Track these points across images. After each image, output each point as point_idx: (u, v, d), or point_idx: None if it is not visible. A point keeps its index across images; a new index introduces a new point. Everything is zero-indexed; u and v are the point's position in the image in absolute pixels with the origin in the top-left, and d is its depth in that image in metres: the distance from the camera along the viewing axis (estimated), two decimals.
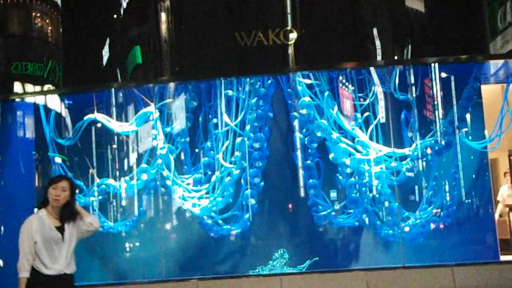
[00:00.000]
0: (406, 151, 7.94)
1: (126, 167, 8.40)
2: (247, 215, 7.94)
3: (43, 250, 4.06)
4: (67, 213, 4.17)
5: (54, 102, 8.68)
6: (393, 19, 8.50)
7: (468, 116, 8.05)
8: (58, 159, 8.45)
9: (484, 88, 8.11)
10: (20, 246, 4.07)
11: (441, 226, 7.92)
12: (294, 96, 8.03)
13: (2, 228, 8.37)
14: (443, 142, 7.99)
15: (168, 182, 8.06)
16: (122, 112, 8.48)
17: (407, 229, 7.81)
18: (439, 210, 7.91)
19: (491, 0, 8.66)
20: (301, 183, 7.98)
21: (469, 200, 8.07)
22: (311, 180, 7.93)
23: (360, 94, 8.09)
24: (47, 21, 10.70)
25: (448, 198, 7.96)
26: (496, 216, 8.75)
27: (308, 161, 7.94)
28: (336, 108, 7.96)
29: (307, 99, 7.96)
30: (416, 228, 7.87)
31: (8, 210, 8.31)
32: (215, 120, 8.14)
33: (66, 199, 4.13)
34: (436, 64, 8.01)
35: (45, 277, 4.06)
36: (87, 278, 8.06)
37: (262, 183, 8.00)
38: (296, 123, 8.02)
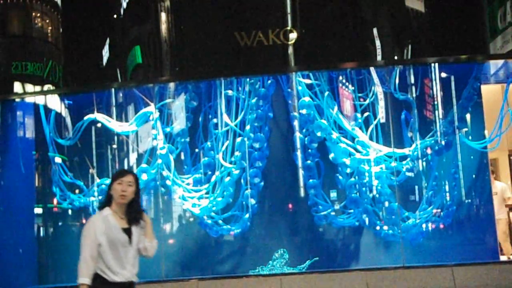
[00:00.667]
0: (406, 151, 7.94)
1: (126, 167, 8.39)
2: (247, 215, 7.94)
3: (109, 254, 3.60)
4: (134, 212, 3.75)
5: (54, 102, 8.68)
6: (393, 19, 8.49)
7: (468, 116, 8.05)
8: (58, 159, 8.45)
9: (484, 88, 8.11)
10: (82, 249, 3.59)
11: (441, 226, 7.92)
12: (295, 96, 8.03)
13: (2, 228, 8.36)
14: (443, 142, 8.00)
15: (168, 182, 8.06)
16: (122, 112, 8.49)
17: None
18: (439, 210, 7.91)
19: (491, 0, 8.66)
20: (301, 183, 7.98)
21: (469, 200, 8.07)
22: (311, 180, 7.93)
23: (360, 94, 8.09)
24: (47, 21, 10.70)
25: (448, 198, 7.96)
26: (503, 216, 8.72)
27: (308, 161, 7.94)
28: (336, 108, 7.96)
29: (307, 99, 7.96)
30: (416, 228, 7.87)
31: (8, 210, 8.31)
32: (215, 120, 8.14)
33: (132, 195, 3.74)
34: (436, 64, 8.01)
35: (111, 284, 3.59)
36: None
37: (262, 183, 8.00)
38: (296, 123, 8.02)
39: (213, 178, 8.03)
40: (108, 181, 8.25)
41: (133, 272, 3.70)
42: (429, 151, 8.00)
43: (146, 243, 3.79)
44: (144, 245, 3.79)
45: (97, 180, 8.33)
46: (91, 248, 3.56)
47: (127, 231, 3.68)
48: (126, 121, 8.39)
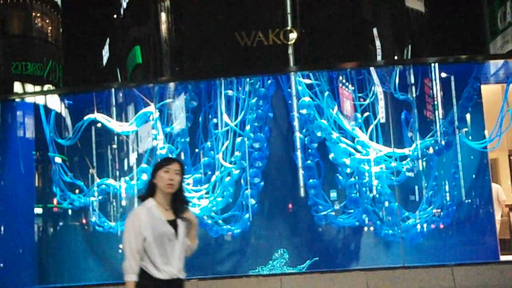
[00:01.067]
0: (406, 151, 7.94)
1: (126, 167, 8.40)
2: (247, 215, 7.93)
3: (154, 249, 3.31)
4: (181, 203, 3.46)
5: (54, 102, 8.68)
6: (393, 19, 8.50)
7: (468, 116, 8.05)
8: (58, 159, 8.45)
9: (484, 88, 8.11)
10: (125, 244, 3.30)
11: (441, 226, 7.92)
12: (295, 96, 8.03)
13: (2, 228, 8.37)
14: (443, 142, 7.99)
15: None
16: (122, 112, 8.49)
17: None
18: (439, 210, 7.91)
19: (491, 0, 8.66)
20: (301, 183, 7.98)
21: (469, 200, 8.07)
22: (311, 180, 7.93)
23: (360, 94, 8.09)
24: (47, 21, 10.71)
25: (448, 198, 7.96)
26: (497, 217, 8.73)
27: (308, 161, 7.94)
28: (336, 108, 7.96)
29: (307, 99, 7.96)
30: (416, 228, 7.87)
31: (8, 210, 8.31)
32: (215, 120, 8.14)
33: (179, 185, 3.42)
34: (436, 64, 8.01)
35: (155, 281, 3.30)
36: (87, 278, 8.07)
37: (262, 183, 8.00)
38: (296, 123, 8.02)
39: (213, 178, 8.03)
40: (108, 181, 8.30)
41: (180, 268, 3.39)
42: (429, 151, 8.00)
43: (188, 243, 3.50)
44: (187, 245, 3.50)
45: (97, 180, 8.33)
46: (136, 242, 3.28)
47: (173, 224, 3.37)
48: (126, 121, 8.39)
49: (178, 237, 3.37)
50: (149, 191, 3.44)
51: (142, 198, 3.44)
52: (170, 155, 8.06)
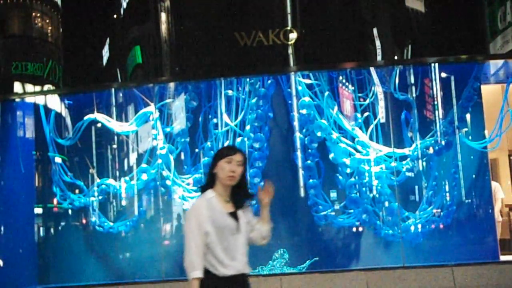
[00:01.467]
0: (406, 151, 7.94)
1: (126, 167, 8.40)
2: None
3: (217, 243, 3.12)
4: (243, 196, 3.27)
5: (54, 102, 8.68)
6: (393, 19, 8.49)
7: (468, 116, 8.05)
8: (58, 159, 8.45)
9: (484, 88, 8.11)
10: (187, 238, 3.13)
11: (441, 226, 7.92)
12: (295, 96, 8.03)
13: (2, 228, 8.37)
14: (443, 142, 8.00)
15: (168, 182, 8.06)
16: (122, 112, 8.49)
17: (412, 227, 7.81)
18: (439, 210, 7.91)
19: (491, 0, 8.65)
20: (301, 183, 7.98)
21: (469, 200, 8.07)
22: (311, 180, 7.93)
23: (360, 94, 8.09)
24: (47, 21, 10.70)
25: (448, 198, 7.97)
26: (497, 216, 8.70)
27: (308, 161, 7.94)
28: (336, 108, 7.96)
29: (307, 99, 7.96)
30: (416, 228, 7.87)
31: (8, 210, 8.31)
32: (215, 120, 8.14)
33: (240, 177, 3.23)
34: (436, 64, 8.01)
35: (221, 278, 3.11)
36: (87, 278, 8.06)
37: (262, 183, 7.98)
38: (296, 123, 8.02)
39: None
40: (108, 181, 8.30)
41: (244, 262, 3.19)
42: (429, 151, 8.00)
43: (262, 227, 3.30)
44: (260, 232, 3.30)
45: (97, 180, 8.32)
46: (198, 237, 3.08)
47: (234, 216, 3.19)
48: (126, 121, 8.39)
49: (241, 230, 3.18)
50: (209, 181, 3.24)
51: (202, 189, 3.25)
52: (170, 155, 8.06)
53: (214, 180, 3.22)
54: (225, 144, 8.00)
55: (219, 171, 3.18)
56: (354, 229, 8.03)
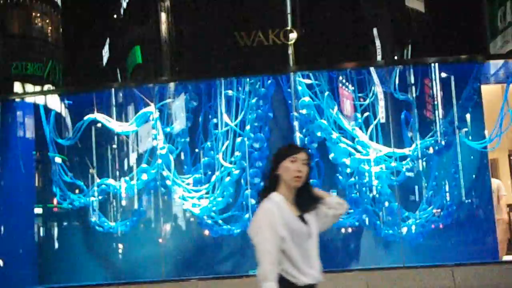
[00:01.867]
0: (406, 151, 7.94)
1: (126, 167, 8.40)
2: (247, 215, 7.93)
3: (294, 250, 2.85)
4: (308, 197, 3.03)
5: (54, 102, 8.68)
6: (393, 19, 8.49)
7: (468, 116, 8.05)
8: (58, 159, 8.45)
9: (484, 88, 8.11)
10: (260, 246, 2.80)
11: (441, 226, 7.92)
12: (295, 96, 8.03)
13: (2, 228, 8.37)
14: (443, 142, 8.00)
15: (168, 182, 8.06)
16: (122, 112, 8.49)
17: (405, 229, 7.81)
18: (439, 210, 7.91)
19: (491, 0, 8.65)
20: None
21: (469, 200, 8.07)
22: (311, 180, 7.91)
23: (360, 94, 8.09)
24: (47, 21, 10.70)
25: (448, 198, 7.96)
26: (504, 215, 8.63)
27: None
28: (336, 108, 7.96)
29: (307, 99, 7.96)
30: (416, 228, 7.87)
31: (8, 210, 8.31)
32: (215, 120, 8.14)
33: (306, 177, 2.99)
34: (436, 64, 8.01)
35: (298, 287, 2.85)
36: (87, 278, 8.07)
37: (262, 183, 7.98)
38: (296, 123, 8.02)
39: (213, 178, 8.03)
40: (108, 181, 8.30)
41: (319, 270, 2.99)
42: (429, 151, 7.99)
43: (332, 200, 3.11)
44: (335, 202, 3.11)
45: (97, 180, 8.32)
46: (272, 244, 2.78)
47: (302, 220, 2.95)
48: (126, 121, 8.39)
49: (312, 235, 2.96)
50: (272, 183, 2.98)
51: (265, 192, 2.98)
52: (170, 155, 8.06)
53: (277, 182, 2.96)
54: (225, 144, 7.99)
55: (284, 172, 2.93)
56: (354, 229, 8.03)
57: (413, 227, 7.85)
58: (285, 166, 2.93)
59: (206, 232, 8.09)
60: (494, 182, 8.51)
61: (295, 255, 2.85)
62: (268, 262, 2.77)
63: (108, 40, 9.27)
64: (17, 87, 9.64)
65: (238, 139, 8.04)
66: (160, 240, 8.13)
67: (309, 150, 3.26)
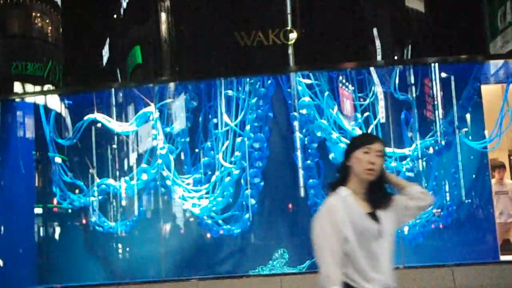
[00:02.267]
0: (406, 151, 7.94)
1: (126, 167, 8.40)
2: (247, 215, 7.93)
3: (359, 252, 2.59)
4: (382, 193, 2.73)
5: (54, 102, 8.68)
6: (393, 19, 8.50)
7: (468, 116, 8.05)
8: (58, 159, 8.45)
9: (484, 88, 8.11)
10: (322, 247, 2.56)
11: (441, 226, 7.92)
12: (295, 96, 8.03)
13: (2, 228, 8.37)
14: (443, 142, 7.99)
15: (168, 182, 8.06)
16: (122, 112, 8.49)
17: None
18: (439, 210, 7.91)
19: (491, 0, 8.66)
20: (301, 183, 7.98)
21: (469, 200, 8.07)
22: (311, 180, 7.93)
23: (360, 94, 8.09)
24: (47, 21, 10.70)
25: (448, 198, 7.96)
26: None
27: (308, 161, 7.94)
28: (336, 108, 7.96)
29: (307, 99, 7.96)
30: (416, 228, 7.87)
31: (8, 210, 8.31)
32: (215, 120, 8.13)
33: (380, 170, 2.69)
34: (436, 64, 8.01)
35: None
36: (87, 278, 8.07)
37: (262, 183, 8.00)
38: (296, 123, 8.02)
39: (213, 178, 8.03)
40: (108, 181, 8.30)
41: (391, 275, 2.73)
42: (429, 151, 7.99)
43: (412, 189, 2.77)
44: (417, 191, 2.78)
45: (97, 180, 8.32)
46: (335, 244, 2.54)
47: (373, 217, 2.65)
48: (126, 121, 8.39)
49: (384, 235, 2.66)
50: (342, 176, 2.72)
51: (333, 186, 2.74)
52: (170, 155, 8.06)
53: (348, 174, 2.69)
54: (225, 144, 7.99)
55: (355, 164, 2.66)
56: None
57: (413, 227, 7.85)
58: (357, 157, 2.65)
59: (206, 232, 8.08)
60: (508, 182, 8.45)
61: (359, 257, 2.58)
62: (330, 265, 2.52)
63: (108, 40, 9.28)
64: (17, 87, 9.64)
65: (238, 139, 8.04)
66: (160, 240, 8.13)
67: (384, 141, 2.81)
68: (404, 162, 7.91)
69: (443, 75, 8.08)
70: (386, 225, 2.67)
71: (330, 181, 2.83)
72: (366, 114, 8.02)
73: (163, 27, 8.44)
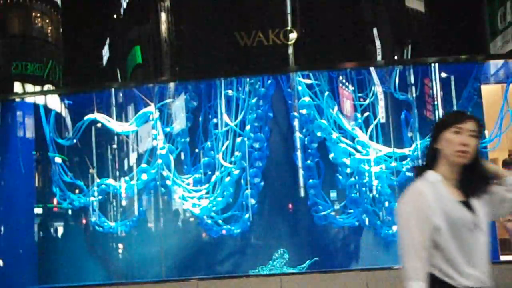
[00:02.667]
0: (406, 151, 7.94)
1: (126, 167, 8.40)
2: (247, 215, 7.93)
3: (451, 244, 2.29)
4: (477, 178, 2.38)
5: (54, 102, 8.68)
6: (393, 19, 8.50)
7: None
8: (58, 159, 8.45)
9: (484, 88, 8.11)
10: (404, 236, 2.33)
11: None
12: (295, 96, 8.03)
13: (2, 228, 8.37)
14: None
15: (168, 182, 8.05)
16: (122, 112, 8.48)
17: None
18: None
19: (491, 0, 8.66)
20: (301, 183, 7.98)
21: None
22: (311, 180, 7.93)
23: (360, 94, 8.09)
24: (47, 21, 10.71)
25: None
26: None
27: (308, 161, 7.94)
28: (336, 108, 7.96)
29: (307, 99, 7.96)
30: None
31: (8, 210, 8.31)
32: (215, 120, 8.13)
33: (475, 153, 2.36)
34: (436, 64, 8.01)
35: None
36: (87, 278, 8.07)
37: (262, 183, 8.00)
38: (296, 123, 8.02)
39: (213, 178, 8.03)
40: (108, 181, 8.29)
41: (487, 272, 2.35)
42: None
43: (509, 178, 2.43)
44: None
45: (97, 180, 8.32)
46: (421, 234, 2.27)
47: (467, 206, 2.34)
48: (126, 121, 8.39)
49: (480, 226, 2.34)
50: (430, 159, 2.43)
51: (419, 170, 2.45)
52: (170, 155, 8.06)
53: (437, 158, 2.40)
54: (225, 144, 7.99)
55: (444, 146, 2.36)
56: (354, 229, 8.03)
57: None
58: (447, 138, 2.35)
59: (206, 232, 8.09)
60: None
61: (452, 250, 2.29)
62: (413, 257, 2.30)
63: (108, 40, 9.28)
64: (17, 87, 9.65)
65: (238, 139, 8.03)
66: (160, 240, 8.12)
67: (479, 119, 2.42)
68: (404, 162, 7.91)
69: (443, 75, 8.08)
70: (481, 215, 2.36)
71: (415, 165, 2.59)
72: (366, 114, 8.01)
73: (163, 27, 8.44)
